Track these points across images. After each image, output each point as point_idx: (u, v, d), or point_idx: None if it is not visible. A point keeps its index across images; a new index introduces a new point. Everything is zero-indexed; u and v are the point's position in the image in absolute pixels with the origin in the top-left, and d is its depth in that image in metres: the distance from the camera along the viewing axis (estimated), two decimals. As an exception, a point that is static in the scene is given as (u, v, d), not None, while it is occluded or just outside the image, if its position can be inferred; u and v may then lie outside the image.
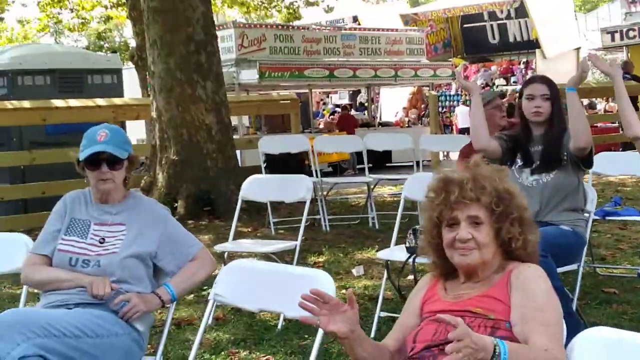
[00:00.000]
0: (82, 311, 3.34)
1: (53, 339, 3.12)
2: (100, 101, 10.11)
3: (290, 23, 19.63)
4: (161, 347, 3.55)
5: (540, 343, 2.32)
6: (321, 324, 2.46)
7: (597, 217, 5.24)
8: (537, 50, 24.47)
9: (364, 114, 22.57)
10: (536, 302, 2.42)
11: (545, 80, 4.72)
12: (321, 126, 19.95)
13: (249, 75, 15.81)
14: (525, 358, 2.27)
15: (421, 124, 20.43)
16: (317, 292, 2.47)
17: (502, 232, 2.55)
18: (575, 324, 3.88)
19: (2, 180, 9.92)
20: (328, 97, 28.75)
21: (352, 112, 21.95)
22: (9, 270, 3.96)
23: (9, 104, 9.46)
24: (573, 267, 4.63)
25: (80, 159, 3.57)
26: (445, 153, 17.38)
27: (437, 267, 2.69)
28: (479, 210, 2.55)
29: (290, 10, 20.73)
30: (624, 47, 25.33)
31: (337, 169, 16.68)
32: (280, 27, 17.38)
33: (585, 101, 20.08)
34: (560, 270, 4.28)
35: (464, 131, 19.36)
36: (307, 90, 19.29)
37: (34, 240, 3.85)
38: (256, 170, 8.50)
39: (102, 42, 33.51)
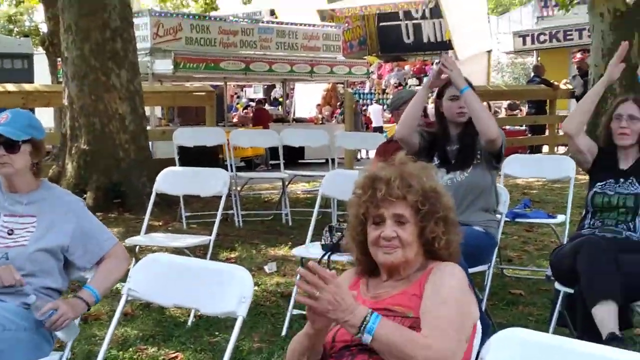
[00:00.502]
0: (-8, 306, 3.23)
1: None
2: (10, 86, 9.82)
3: (207, 14, 19.43)
4: (70, 343, 3.45)
5: (422, 331, 2.36)
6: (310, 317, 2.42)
7: (507, 219, 5.34)
8: (450, 52, 24.89)
9: (278, 109, 22.57)
10: (439, 295, 2.44)
11: None
12: (235, 120, 19.84)
13: (164, 65, 15.58)
14: (397, 335, 2.32)
15: (335, 121, 20.53)
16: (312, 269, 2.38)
17: (426, 231, 2.57)
18: (484, 325, 3.95)
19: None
20: (242, 90, 28.63)
21: (267, 106, 21.91)
22: None
23: None
24: (483, 268, 4.71)
25: None
26: (366, 152, 17.53)
27: (360, 264, 2.70)
28: (405, 209, 2.56)
29: (207, 1, 20.52)
30: (534, 51, 26.03)
31: (250, 164, 16.63)
32: (196, 17, 17.18)
33: (505, 103, 20.57)
34: (470, 270, 4.35)
35: (377, 130, 19.57)
36: (222, 83, 19.15)
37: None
38: (169, 162, 8.37)
39: (11, 26, 32.56)
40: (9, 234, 3.41)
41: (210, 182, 5.93)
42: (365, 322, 2.31)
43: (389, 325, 2.34)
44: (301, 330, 2.49)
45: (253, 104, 22.13)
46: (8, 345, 3.18)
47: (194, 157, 9.07)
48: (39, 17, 30.97)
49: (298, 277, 2.35)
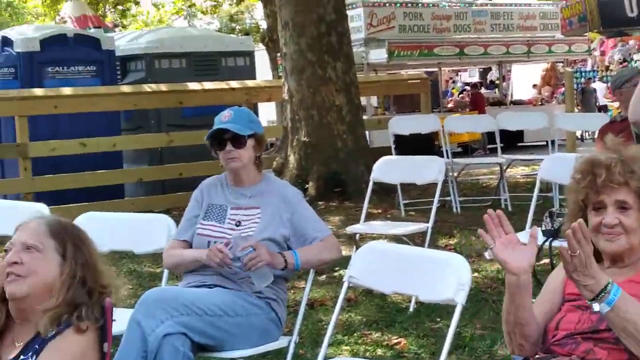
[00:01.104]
0: (222, 291, 3.44)
1: (195, 317, 3.24)
2: (234, 83, 10.32)
3: (420, 0, 19.43)
4: (297, 327, 3.62)
5: None
6: (494, 248, 2.44)
7: None
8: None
9: (495, 92, 22.15)
10: None
11: None
12: (451, 105, 19.72)
13: (378, 55, 15.78)
14: (636, 313, 2.23)
15: (555, 102, 19.88)
16: (500, 217, 2.44)
17: None
18: None
19: (141, 161, 10.29)
20: (457, 75, 28.36)
21: (483, 90, 21.58)
22: (151, 250, 4.11)
23: (147, 87, 9.81)
24: None
25: (205, 139, 3.67)
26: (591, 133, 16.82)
27: None
28: (628, 195, 2.46)
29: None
30: None
31: (467, 149, 16.46)
32: (409, 5, 17.21)
33: None
34: None
35: (602, 109, 18.74)
36: (436, 69, 19.09)
37: (173, 220, 4.00)
38: (386, 151, 8.48)
39: (233, 25, 34.16)
40: (237, 226, 3.62)
41: (426, 169, 5.96)
42: (605, 292, 2.25)
43: (630, 300, 2.27)
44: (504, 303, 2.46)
45: (469, 88, 21.87)
46: (240, 330, 3.38)
47: (409, 144, 9.13)
48: (258, 15, 32.27)
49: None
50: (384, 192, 8.62)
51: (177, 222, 3.93)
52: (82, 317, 2.33)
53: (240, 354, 3.40)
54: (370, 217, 6.74)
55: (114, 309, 2.45)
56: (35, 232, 2.42)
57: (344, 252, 6.35)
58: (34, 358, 2.28)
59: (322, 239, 3.64)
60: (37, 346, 2.30)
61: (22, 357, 2.30)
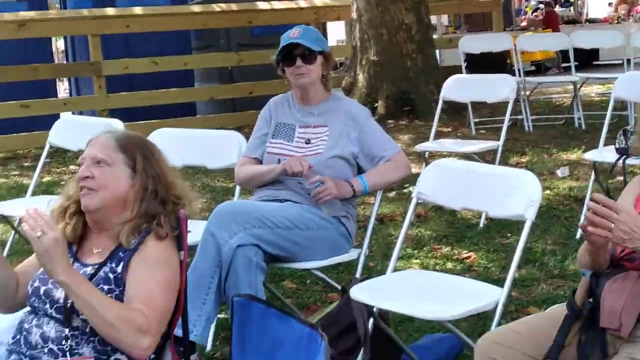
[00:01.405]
0: (293, 205, 3.51)
1: (267, 230, 3.32)
2: (303, 3, 10.26)
3: None
4: (367, 241, 3.68)
5: None
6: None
7: None
8: None
9: (569, 10, 21.52)
10: None
11: None
12: (524, 24, 19.25)
13: (449, -28, 15.40)
14: None
15: (632, 20, 19.23)
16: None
17: None
18: None
19: (212, 80, 10.38)
20: (531, -7, 27.59)
21: (557, 8, 20.98)
22: (223, 166, 4.20)
23: (217, 7, 9.82)
24: None
25: (275, 56, 3.69)
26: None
27: None
28: None
29: None
30: None
31: (540, 68, 16.12)
32: None
33: None
34: None
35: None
36: (509, -14, 18.60)
37: (244, 137, 4.07)
38: (456, 70, 8.39)
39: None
40: (306, 144, 3.66)
41: (497, 87, 5.90)
42: None
43: None
44: (582, 245, 2.46)
45: (542, 6, 21.28)
46: (311, 243, 3.46)
47: (480, 63, 9.00)
48: None
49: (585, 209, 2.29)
50: (454, 110, 8.56)
51: (248, 139, 4.00)
52: (161, 224, 2.42)
53: (311, 265, 3.49)
54: (439, 135, 6.72)
55: (189, 220, 2.53)
56: (105, 146, 2.49)
57: (414, 170, 6.41)
58: (120, 266, 2.38)
59: (391, 158, 3.66)
60: (121, 254, 2.40)
61: (108, 263, 2.40)
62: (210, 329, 3.42)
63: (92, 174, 2.43)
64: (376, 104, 9.39)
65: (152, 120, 8.26)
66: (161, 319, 2.34)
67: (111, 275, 2.37)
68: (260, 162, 3.74)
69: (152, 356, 2.42)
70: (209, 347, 3.65)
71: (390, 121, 9.06)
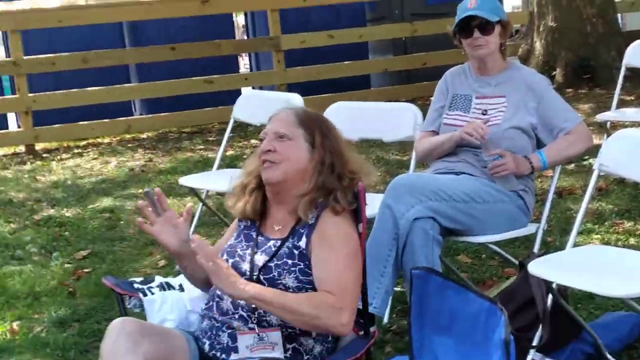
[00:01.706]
0: (469, 178, 3.51)
1: (444, 203, 3.34)
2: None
3: None
4: (545, 215, 3.62)
5: None
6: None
7: None
8: None
9: None
10: None
11: None
12: None
13: None
14: None
15: None
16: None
17: None
18: None
19: (386, 51, 10.42)
20: None
21: None
22: (398, 138, 4.24)
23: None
24: None
25: (452, 28, 3.68)
26: None
27: None
28: None
29: None
30: None
31: None
32: None
33: None
34: None
35: None
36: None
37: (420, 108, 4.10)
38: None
39: None
40: (483, 114, 3.64)
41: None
42: None
43: None
44: None
45: None
46: (488, 217, 3.44)
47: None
48: None
49: None
50: (638, 78, 8.18)
51: (422, 111, 4.02)
52: (337, 199, 2.51)
53: (488, 239, 3.48)
54: (621, 104, 6.45)
55: (366, 193, 2.60)
56: (286, 122, 2.61)
57: (594, 141, 6.20)
58: (302, 241, 2.49)
59: (571, 130, 3.57)
60: (301, 230, 2.51)
61: (290, 239, 2.52)
62: (388, 302, 3.49)
63: (274, 148, 2.55)
64: (554, 72, 9.12)
65: (327, 94, 8.41)
66: (351, 293, 2.43)
67: (295, 251, 2.48)
68: (437, 134, 3.76)
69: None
70: (385, 319, 3.72)
71: (568, 90, 8.79)
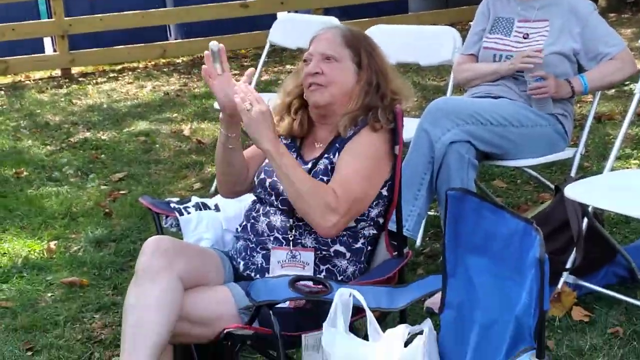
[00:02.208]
0: (507, 102, 3.46)
1: (481, 127, 3.30)
2: None
3: None
4: (583, 139, 3.58)
5: None
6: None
7: None
8: None
9: None
10: None
11: None
12: None
13: None
14: None
15: None
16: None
17: None
18: None
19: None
20: None
21: None
22: (437, 62, 4.19)
23: None
24: None
25: None
26: None
27: None
28: None
29: None
30: None
31: None
32: None
33: None
34: None
35: None
36: None
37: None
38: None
39: None
40: (524, 38, 3.56)
41: None
42: None
43: None
44: None
45: None
46: (525, 141, 3.41)
47: None
48: None
49: None
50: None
51: (462, 36, 3.95)
52: (378, 117, 2.48)
53: (524, 163, 3.45)
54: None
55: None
56: (332, 42, 2.56)
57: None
58: (335, 155, 2.48)
59: (615, 56, 3.49)
60: (337, 145, 2.50)
61: (325, 155, 2.51)
62: (421, 225, 3.49)
63: (321, 70, 2.50)
64: (598, -2, 8.93)
65: (365, 19, 8.30)
66: (353, 203, 2.40)
67: (329, 167, 2.47)
68: (476, 58, 3.70)
69: (369, 248, 2.53)
70: (418, 242, 3.74)
71: (612, 15, 8.60)
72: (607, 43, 3.51)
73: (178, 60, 8.92)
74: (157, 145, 5.75)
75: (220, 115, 2.51)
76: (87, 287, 3.67)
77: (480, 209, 1.97)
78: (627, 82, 5.54)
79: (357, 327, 2.32)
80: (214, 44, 2.49)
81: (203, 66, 2.49)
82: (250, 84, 2.46)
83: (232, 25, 8.83)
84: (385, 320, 2.39)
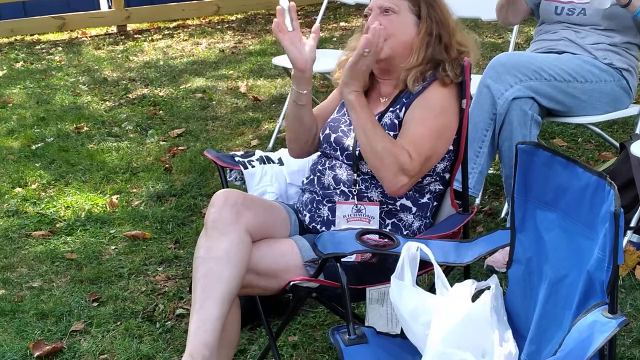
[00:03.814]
0: (571, 57, 3.40)
1: (544, 82, 3.26)
2: None
3: None
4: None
5: None
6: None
7: None
8: None
9: None
10: None
11: None
12: None
13: None
14: None
15: None
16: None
17: None
18: None
19: None
20: None
21: None
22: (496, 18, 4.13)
23: None
24: None
25: None
26: None
27: None
28: None
29: None
30: None
31: None
32: None
33: None
34: None
35: None
36: None
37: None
38: None
39: None
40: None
41: None
42: None
43: None
44: None
45: None
46: (589, 97, 3.36)
47: None
48: None
49: None
50: None
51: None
52: (446, 70, 2.46)
53: (588, 120, 3.40)
54: None
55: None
56: None
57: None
58: (402, 110, 2.47)
59: None
60: (404, 100, 2.48)
61: (390, 109, 2.50)
62: (482, 183, 3.47)
63: (380, 23, 2.49)
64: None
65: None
66: (425, 163, 2.40)
67: (396, 121, 2.46)
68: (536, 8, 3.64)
69: (434, 203, 2.53)
70: (478, 200, 3.72)
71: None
72: None
73: (232, 18, 8.92)
74: (214, 102, 5.79)
75: (292, 71, 2.52)
76: (150, 240, 3.73)
77: (551, 162, 1.95)
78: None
79: (420, 282, 2.33)
80: (284, 1, 2.48)
81: (275, 20, 2.48)
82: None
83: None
84: (449, 276, 2.40)
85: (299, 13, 8.74)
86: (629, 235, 3.14)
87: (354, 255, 2.27)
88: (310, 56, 2.47)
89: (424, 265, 2.13)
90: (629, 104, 3.49)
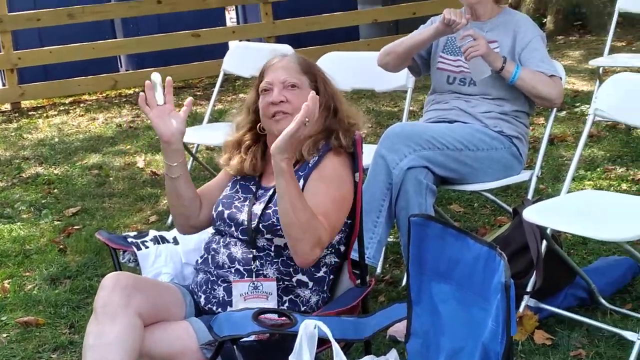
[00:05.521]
0: (463, 126, 3.48)
1: (437, 152, 3.31)
2: None
3: None
4: (539, 162, 3.60)
5: None
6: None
7: None
8: None
9: None
10: None
11: None
12: None
13: None
14: None
15: None
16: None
17: None
18: None
19: (375, 2, 10.30)
20: None
21: None
22: (392, 88, 4.21)
23: None
24: None
25: None
26: None
27: None
28: None
29: None
30: None
31: None
32: None
33: None
34: None
35: None
36: None
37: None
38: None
39: None
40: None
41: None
42: None
43: None
44: None
45: None
46: (481, 164, 3.42)
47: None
48: None
49: None
50: (628, 23, 8.14)
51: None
52: (339, 139, 2.48)
53: (481, 187, 3.46)
54: (614, 50, 6.41)
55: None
56: (291, 70, 2.55)
57: (585, 88, 6.17)
58: (301, 181, 2.45)
59: (549, 75, 3.49)
60: (300, 173, 2.47)
61: None
62: (382, 252, 3.47)
63: (286, 98, 2.49)
64: (544, 20, 9.06)
65: (317, 46, 8.33)
66: (333, 234, 2.41)
67: None
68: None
69: (331, 276, 2.51)
70: (379, 269, 3.72)
71: (559, 37, 8.74)
72: (542, 65, 3.49)
73: (129, 92, 8.83)
74: (111, 178, 5.67)
75: (161, 145, 2.49)
76: (43, 326, 3.58)
77: (443, 234, 1.96)
78: (577, 104, 5.64)
79: (325, 358, 2.30)
80: (155, 76, 2.48)
81: (141, 93, 2.46)
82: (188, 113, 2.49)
83: (183, 55, 8.79)
84: (349, 350, 2.37)
85: (197, 86, 8.74)
86: (526, 300, 3.17)
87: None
88: (178, 128, 2.46)
89: (323, 343, 2.10)
90: (520, 170, 3.57)
